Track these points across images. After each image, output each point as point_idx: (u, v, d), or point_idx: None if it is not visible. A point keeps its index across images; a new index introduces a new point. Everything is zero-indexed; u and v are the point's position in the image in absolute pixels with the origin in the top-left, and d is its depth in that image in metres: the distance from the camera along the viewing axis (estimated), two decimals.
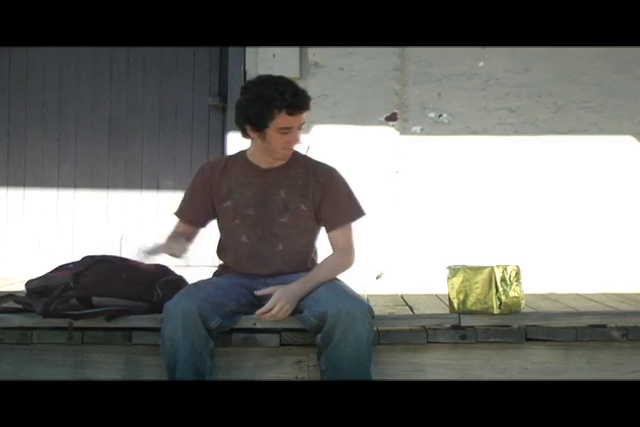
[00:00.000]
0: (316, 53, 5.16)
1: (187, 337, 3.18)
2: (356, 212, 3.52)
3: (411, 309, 3.99)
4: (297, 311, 3.33)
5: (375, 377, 3.38)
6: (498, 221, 5.19)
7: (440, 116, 5.20)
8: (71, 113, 5.53)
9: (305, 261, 3.51)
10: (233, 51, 5.32)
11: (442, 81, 5.23)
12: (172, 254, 3.46)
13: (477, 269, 3.42)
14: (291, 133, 3.34)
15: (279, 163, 3.45)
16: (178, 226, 3.57)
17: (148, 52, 5.46)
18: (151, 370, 3.44)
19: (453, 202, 5.20)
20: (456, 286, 3.44)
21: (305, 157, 3.55)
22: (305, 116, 3.35)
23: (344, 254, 3.49)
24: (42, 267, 5.40)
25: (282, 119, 3.30)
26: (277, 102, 3.27)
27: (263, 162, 3.47)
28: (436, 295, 4.41)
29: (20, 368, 3.45)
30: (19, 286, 4.79)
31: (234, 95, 5.27)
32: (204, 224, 3.58)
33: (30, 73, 5.54)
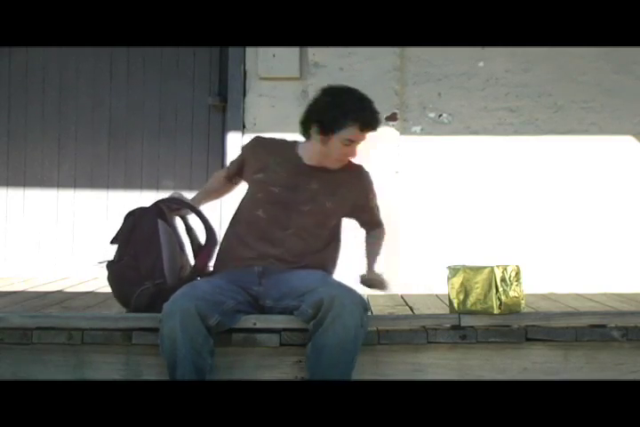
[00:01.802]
0: (315, 53, 5.16)
1: (186, 336, 3.19)
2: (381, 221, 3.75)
3: (411, 309, 3.99)
4: (295, 308, 3.33)
5: (375, 377, 3.38)
6: (498, 221, 5.20)
7: (440, 116, 5.20)
8: (71, 113, 5.54)
9: (307, 254, 3.50)
10: (233, 51, 5.33)
11: (442, 81, 5.24)
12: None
13: (477, 269, 3.42)
14: (351, 147, 3.46)
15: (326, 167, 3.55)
16: (217, 178, 3.79)
17: (148, 52, 5.46)
18: (151, 370, 3.43)
19: (453, 202, 5.20)
20: (456, 286, 3.44)
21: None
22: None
23: (380, 226, 3.73)
24: (42, 267, 5.44)
25: (351, 131, 3.42)
26: (356, 115, 3.39)
27: (312, 162, 3.55)
28: (436, 295, 4.41)
29: (19, 368, 3.45)
30: (19, 286, 4.80)
31: (234, 95, 5.31)
32: (236, 182, 3.75)
33: (30, 73, 5.55)
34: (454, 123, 5.22)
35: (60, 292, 4.58)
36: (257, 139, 3.69)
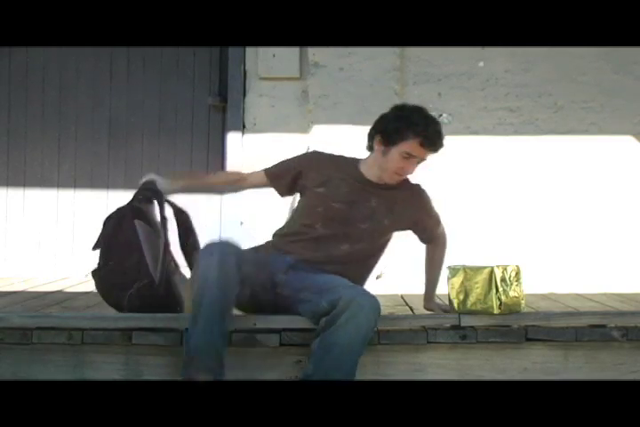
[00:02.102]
0: (315, 53, 5.16)
1: (220, 274, 3.19)
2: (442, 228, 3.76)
3: (411, 309, 3.99)
4: (309, 301, 3.36)
5: (375, 377, 3.38)
6: (498, 221, 5.20)
7: (440, 116, 5.20)
8: (71, 113, 5.54)
9: (353, 273, 3.53)
10: (233, 51, 5.33)
11: (442, 81, 5.23)
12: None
13: (477, 269, 3.42)
14: (409, 161, 3.49)
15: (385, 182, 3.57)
16: (250, 175, 3.67)
17: (148, 52, 5.46)
18: (151, 370, 3.44)
19: (453, 202, 5.20)
20: (456, 285, 3.45)
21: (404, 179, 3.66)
22: (429, 156, 3.52)
23: (440, 238, 3.75)
24: (42, 267, 5.44)
25: (411, 145, 3.46)
26: (419, 129, 3.46)
27: (372, 176, 3.58)
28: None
29: (19, 368, 3.45)
30: (19, 286, 4.80)
31: (234, 95, 5.31)
32: (274, 185, 3.65)
33: (30, 73, 5.55)
34: (454, 123, 5.22)
35: (60, 292, 4.58)
36: (317, 152, 3.72)
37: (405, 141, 3.46)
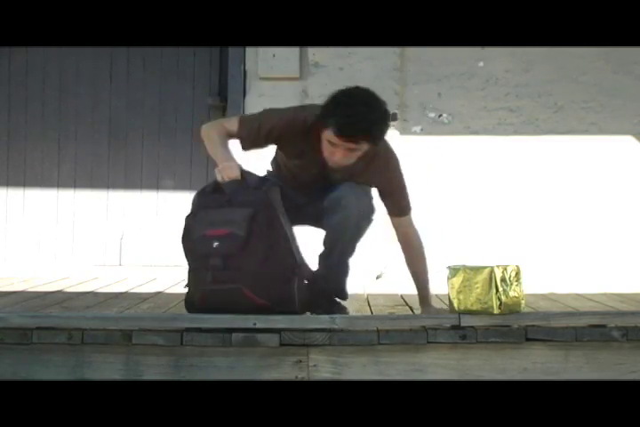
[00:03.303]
0: (315, 53, 5.16)
1: None
2: (409, 204, 3.69)
3: (411, 309, 3.99)
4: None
5: (375, 377, 3.38)
6: (498, 220, 5.20)
7: (440, 116, 5.20)
8: (71, 113, 5.54)
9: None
10: (233, 51, 5.33)
11: (442, 81, 5.24)
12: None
13: (477, 269, 3.41)
14: (337, 148, 3.36)
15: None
16: (229, 128, 3.49)
17: (148, 52, 5.46)
18: (151, 370, 3.43)
19: (453, 202, 5.20)
20: (456, 285, 3.44)
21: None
22: (364, 146, 3.36)
23: (411, 234, 3.77)
24: (42, 267, 5.44)
25: (330, 133, 3.33)
26: (331, 120, 3.31)
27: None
28: (436, 295, 4.41)
29: (20, 368, 3.45)
30: (19, 286, 4.80)
31: (234, 95, 5.32)
32: (243, 143, 3.52)
33: (30, 73, 5.55)
34: (454, 123, 5.22)
35: (60, 292, 4.58)
36: (300, 121, 3.47)
37: (327, 129, 3.33)
